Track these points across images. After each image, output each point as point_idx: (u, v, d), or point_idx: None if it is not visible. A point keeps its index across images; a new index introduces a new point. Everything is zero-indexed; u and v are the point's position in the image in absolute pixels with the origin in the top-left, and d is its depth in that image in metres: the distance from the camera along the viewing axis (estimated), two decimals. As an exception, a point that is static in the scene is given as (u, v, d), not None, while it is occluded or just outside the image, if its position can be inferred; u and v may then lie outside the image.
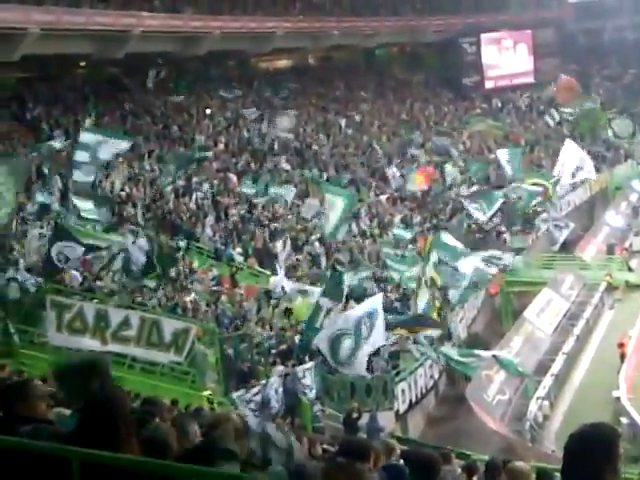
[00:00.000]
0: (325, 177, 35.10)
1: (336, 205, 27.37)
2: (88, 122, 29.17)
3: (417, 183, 36.70)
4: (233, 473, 4.37)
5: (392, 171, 36.15)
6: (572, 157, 37.62)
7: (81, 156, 23.63)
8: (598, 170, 45.05)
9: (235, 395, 17.05)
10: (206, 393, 17.83)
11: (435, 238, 26.88)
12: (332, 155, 38.27)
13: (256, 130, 36.86)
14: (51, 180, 25.52)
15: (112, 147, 23.98)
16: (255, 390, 17.27)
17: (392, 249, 28.96)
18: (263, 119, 37.82)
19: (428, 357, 23.28)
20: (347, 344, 18.94)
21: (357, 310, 20.05)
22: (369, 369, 20.50)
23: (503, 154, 38.59)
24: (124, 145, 24.87)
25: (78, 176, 23.78)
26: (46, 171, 26.06)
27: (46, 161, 26.53)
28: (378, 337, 19.66)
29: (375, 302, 20.24)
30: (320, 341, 19.17)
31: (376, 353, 21.38)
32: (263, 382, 17.76)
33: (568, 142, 38.81)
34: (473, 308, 28.97)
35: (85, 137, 24.17)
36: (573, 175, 37.86)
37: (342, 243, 28.78)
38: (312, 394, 18.51)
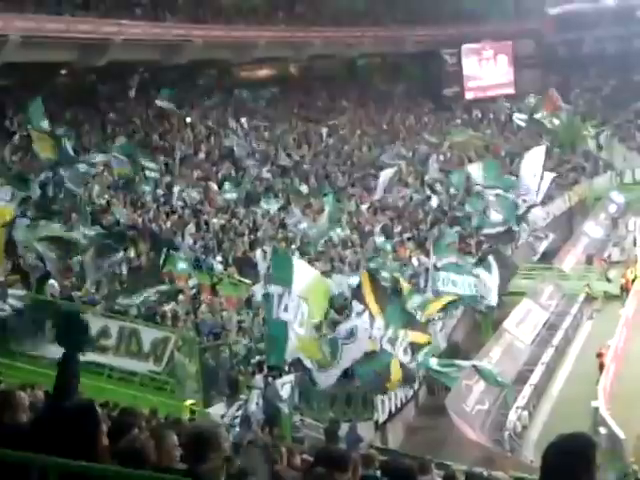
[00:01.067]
0: (306, 187, 35.11)
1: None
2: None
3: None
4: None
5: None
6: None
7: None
8: (577, 181, 45.42)
9: (216, 414, 16.94)
10: (189, 402, 17.74)
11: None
12: (313, 164, 38.30)
13: (238, 139, 36.80)
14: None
15: None
16: (236, 407, 17.20)
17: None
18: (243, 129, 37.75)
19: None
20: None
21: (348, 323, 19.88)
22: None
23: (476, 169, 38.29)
24: None
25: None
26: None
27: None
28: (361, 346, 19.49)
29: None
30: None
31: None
32: (244, 398, 17.67)
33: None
34: (453, 317, 28.98)
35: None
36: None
37: (322, 252, 28.76)
38: (288, 409, 18.41)
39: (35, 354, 17.27)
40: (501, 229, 32.97)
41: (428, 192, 38.06)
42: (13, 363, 17.37)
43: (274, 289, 17.32)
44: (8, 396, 4.85)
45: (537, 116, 51.35)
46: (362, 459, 7.71)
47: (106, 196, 27.39)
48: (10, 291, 17.90)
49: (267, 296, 17.66)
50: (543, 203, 38.79)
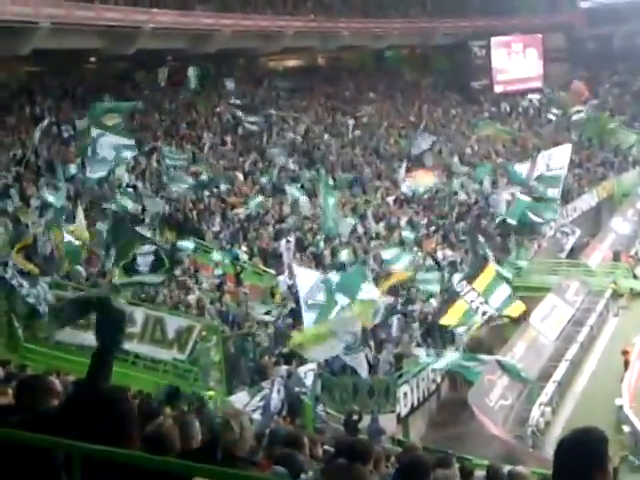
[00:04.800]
0: (332, 178, 35.08)
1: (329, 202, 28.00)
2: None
3: (422, 182, 36.72)
4: (236, 471, 4.38)
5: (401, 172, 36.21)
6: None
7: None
8: (605, 177, 45.06)
9: (239, 403, 16.98)
10: (209, 393, 17.82)
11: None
12: (339, 155, 38.25)
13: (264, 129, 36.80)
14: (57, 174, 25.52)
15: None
16: (259, 397, 17.27)
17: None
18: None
19: (430, 364, 23.22)
20: None
21: None
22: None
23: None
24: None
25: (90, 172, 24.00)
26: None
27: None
28: None
29: None
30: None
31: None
32: (267, 387, 17.73)
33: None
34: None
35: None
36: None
37: (347, 244, 28.76)
38: (309, 396, 18.47)
39: (61, 340, 17.42)
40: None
41: (454, 186, 37.92)
42: (39, 349, 17.54)
43: None
44: (40, 381, 4.89)
45: (566, 110, 51.18)
46: (404, 449, 7.70)
47: (133, 184, 27.55)
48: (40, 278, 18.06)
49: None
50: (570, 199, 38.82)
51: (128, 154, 24.95)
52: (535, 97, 55.42)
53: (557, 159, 36.19)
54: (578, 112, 50.67)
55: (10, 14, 27.59)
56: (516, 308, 25.38)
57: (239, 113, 37.11)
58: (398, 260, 27.60)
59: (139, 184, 27.85)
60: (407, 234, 31.31)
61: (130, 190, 26.91)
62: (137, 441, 4.27)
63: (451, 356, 23.17)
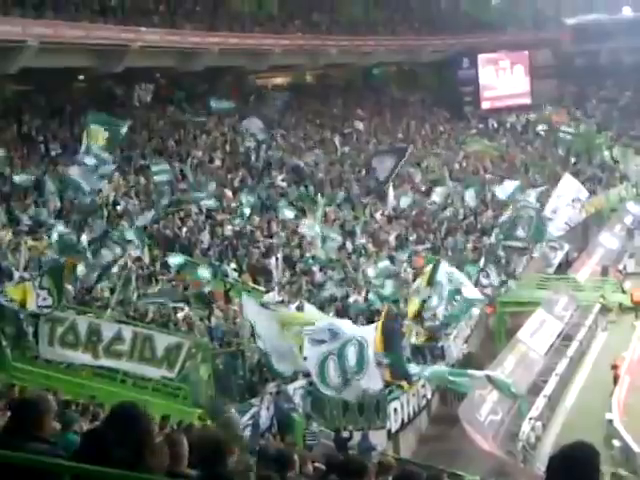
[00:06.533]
0: (320, 194, 35.08)
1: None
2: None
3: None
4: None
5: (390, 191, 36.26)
6: (569, 190, 37.23)
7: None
8: (593, 192, 45.26)
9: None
10: (198, 411, 17.75)
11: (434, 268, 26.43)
12: (328, 172, 38.28)
13: (253, 147, 36.76)
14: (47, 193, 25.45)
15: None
16: (248, 415, 17.21)
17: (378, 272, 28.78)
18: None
19: (420, 377, 23.18)
20: (332, 366, 18.45)
21: (344, 327, 19.40)
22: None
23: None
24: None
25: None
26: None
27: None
28: (374, 379, 18.90)
29: (367, 332, 19.66)
30: (309, 364, 18.88)
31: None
32: (256, 404, 17.67)
33: (566, 176, 38.43)
34: (467, 328, 28.92)
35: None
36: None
37: (336, 261, 28.74)
38: (299, 413, 18.40)
39: (49, 359, 17.34)
40: (520, 244, 33.34)
41: (437, 199, 37.88)
42: (27, 367, 17.45)
43: None
44: (37, 402, 4.83)
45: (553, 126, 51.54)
46: (378, 466, 7.69)
47: (122, 202, 27.49)
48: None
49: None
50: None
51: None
52: (522, 113, 55.75)
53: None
54: (565, 130, 50.98)
55: (-2, 33, 27.60)
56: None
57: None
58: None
59: (128, 201, 27.80)
60: (397, 251, 31.32)
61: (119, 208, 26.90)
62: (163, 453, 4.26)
63: (440, 370, 23.17)
